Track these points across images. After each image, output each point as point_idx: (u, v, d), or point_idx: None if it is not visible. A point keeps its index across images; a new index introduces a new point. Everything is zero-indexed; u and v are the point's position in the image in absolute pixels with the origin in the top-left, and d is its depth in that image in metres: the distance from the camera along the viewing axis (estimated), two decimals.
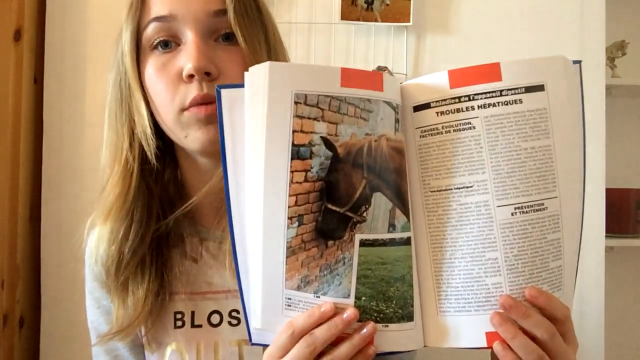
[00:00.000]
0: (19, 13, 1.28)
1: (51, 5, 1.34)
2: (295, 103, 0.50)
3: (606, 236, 1.34)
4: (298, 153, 0.50)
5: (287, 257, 0.51)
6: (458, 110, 0.54)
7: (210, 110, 0.60)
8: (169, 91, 0.62)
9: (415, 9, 1.31)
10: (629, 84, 1.58)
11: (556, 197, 0.54)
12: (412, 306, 0.54)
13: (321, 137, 0.51)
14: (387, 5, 1.31)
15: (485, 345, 0.53)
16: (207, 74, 0.61)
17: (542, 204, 0.53)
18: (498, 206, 0.53)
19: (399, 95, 0.55)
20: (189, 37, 0.62)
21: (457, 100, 0.54)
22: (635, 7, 1.77)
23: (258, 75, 0.51)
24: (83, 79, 1.33)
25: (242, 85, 0.52)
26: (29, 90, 1.32)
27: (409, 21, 1.31)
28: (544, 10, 1.35)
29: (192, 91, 0.61)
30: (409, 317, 0.53)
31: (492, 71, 0.53)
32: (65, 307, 1.31)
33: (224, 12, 0.62)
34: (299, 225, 0.51)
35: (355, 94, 0.52)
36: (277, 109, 0.50)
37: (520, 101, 0.53)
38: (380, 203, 0.53)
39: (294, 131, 0.50)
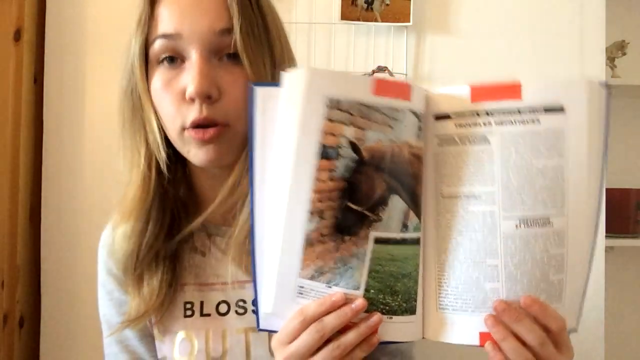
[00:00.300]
0: (19, 13, 1.28)
1: (51, 5, 1.34)
2: (328, 107, 0.53)
3: (606, 236, 1.34)
4: (326, 153, 0.53)
5: (304, 248, 0.54)
6: (476, 124, 0.56)
7: (209, 134, 0.63)
8: (173, 107, 0.64)
9: (415, 9, 1.31)
10: (629, 84, 1.58)
11: (564, 215, 0.55)
12: (416, 301, 0.57)
13: (349, 141, 0.54)
14: (387, 5, 1.31)
15: (478, 344, 0.55)
16: (208, 96, 0.62)
17: (548, 220, 0.55)
18: (504, 218, 0.55)
19: (423, 104, 0.57)
20: (193, 57, 0.63)
21: (476, 114, 0.56)
22: (635, 7, 1.77)
23: (296, 77, 0.54)
24: (83, 79, 1.33)
25: (276, 84, 0.55)
26: (29, 90, 1.32)
27: (409, 21, 1.31)
28: (543, 10, 1.35)
29: (193, 113, 0.63)
30: (412, 311, 0.57)
31: (512, 90, 0.55)
32: (65, 307, 1.32)
33: (229, 30, 0.63)
34: (319, 220, 0.54)
35: (385, 103, 0.55)
36: (311, 111, 0.53)
37: (538, 121, 0.54)
38: (396, 205, 0.56)
39: (324, 133, 0.53)
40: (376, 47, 1.34)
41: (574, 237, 0.55)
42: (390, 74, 1.31)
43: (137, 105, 0.68)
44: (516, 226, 0.54)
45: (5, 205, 1.26)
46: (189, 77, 0.62)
